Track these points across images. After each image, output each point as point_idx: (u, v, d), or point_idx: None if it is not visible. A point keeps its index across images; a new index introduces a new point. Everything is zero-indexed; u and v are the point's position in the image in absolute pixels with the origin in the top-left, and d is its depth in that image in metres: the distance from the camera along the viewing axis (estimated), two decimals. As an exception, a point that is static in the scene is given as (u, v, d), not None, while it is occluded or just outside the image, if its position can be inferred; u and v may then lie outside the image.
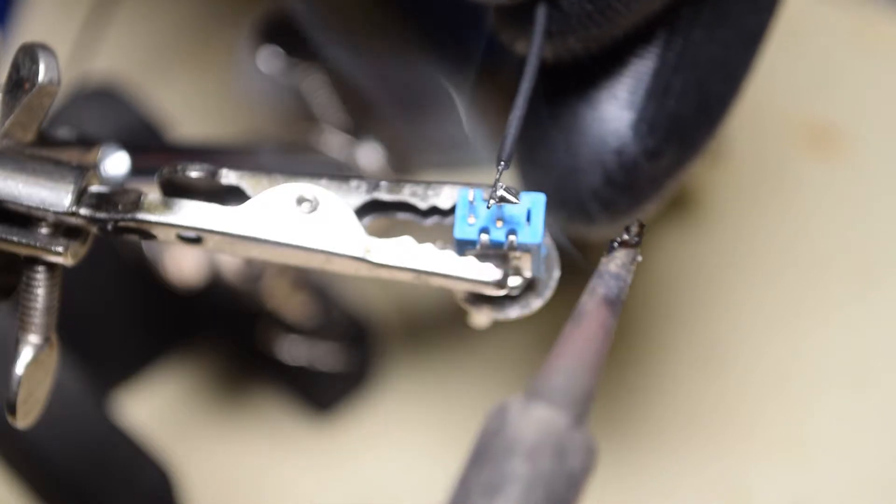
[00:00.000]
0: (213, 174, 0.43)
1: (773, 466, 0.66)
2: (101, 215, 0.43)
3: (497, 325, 0.47)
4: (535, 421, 0.37)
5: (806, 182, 0.72)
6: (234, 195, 0.44)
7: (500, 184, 0.41)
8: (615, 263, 0.41)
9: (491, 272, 0.42)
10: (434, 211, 0.43)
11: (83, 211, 0.43)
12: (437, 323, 0.70)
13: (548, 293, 0.43)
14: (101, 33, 0.69)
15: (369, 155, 0.65)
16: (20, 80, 0.43)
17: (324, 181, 0.43)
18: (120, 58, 0.76)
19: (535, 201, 0.42)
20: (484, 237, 0.42)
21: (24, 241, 0.43)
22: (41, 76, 0.43)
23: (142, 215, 0.43)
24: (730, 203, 0.72)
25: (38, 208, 0.43)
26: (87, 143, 0.48)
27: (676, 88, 0.50)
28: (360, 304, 0.70)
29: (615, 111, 0.50)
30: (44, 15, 0.78)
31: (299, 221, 0.43)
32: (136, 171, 0.54)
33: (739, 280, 0.70)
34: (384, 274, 0.43)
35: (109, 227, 0.43)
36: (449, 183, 0.43)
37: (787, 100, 0.74)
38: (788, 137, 0.73)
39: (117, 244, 0.65)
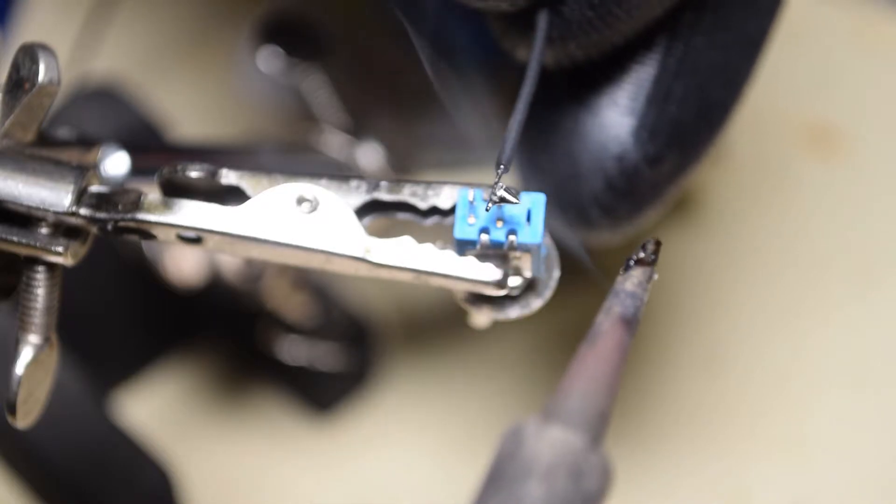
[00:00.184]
0: (213, 174, 0.43)
1: (773, 466, 0.66)
2: (101, 215, 0.43)
3: (497, 325, 0.47)
4: (551, 442, 0.37)
5: (806, 182, 0.72)
6: (234, 195, 0.44)
7: (500, 184, 0.41)
8: (631, 282, 0.41)
9: (491, 272, 0.42)
10: (434, 211, 0.43)
11: (83, 211, 0.43)
12: (437, 323, 0.70)
13: (548, 293, 0.43)
14: (101, 33, 0.69)
15: (369, 155, 0.65)
16: (20, 80, 0.43)
17: (324, 181, 0.43)
18: (120, 58, 0.76)
19: (536, 201, 0.42)
20: (484, 237, 0.42)
21: (24, 241, 0.43)
22: (41, 76, 0.43)
23: (142, 215, 0.43)
24: (730, 203, 0.72)
25: (38, 208, 0.43)
26: (87, 143, 0.48)
27: (677, 94, 0.50)
28: (360, 304, 0.70)
29: (616, 117, 0.50)
30: (44, 15, 0.78)
31: (299, 221, 0.43)
32: (136, 171, 0.54)
33: (739, 280, 0.70)
34: (384, 274, 0.43)
35: (109, 227, 0.43)
36: (449, 183, 0.43)
37: (788, 100, 0.74)
38: (789, 138, 0.73)
39: (117, 244, 0.65)
